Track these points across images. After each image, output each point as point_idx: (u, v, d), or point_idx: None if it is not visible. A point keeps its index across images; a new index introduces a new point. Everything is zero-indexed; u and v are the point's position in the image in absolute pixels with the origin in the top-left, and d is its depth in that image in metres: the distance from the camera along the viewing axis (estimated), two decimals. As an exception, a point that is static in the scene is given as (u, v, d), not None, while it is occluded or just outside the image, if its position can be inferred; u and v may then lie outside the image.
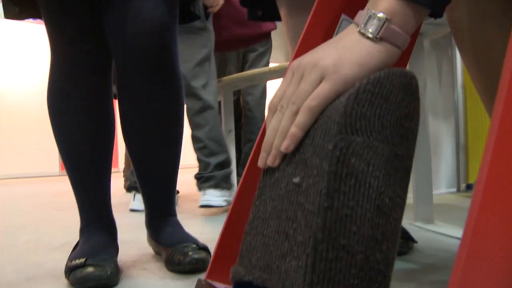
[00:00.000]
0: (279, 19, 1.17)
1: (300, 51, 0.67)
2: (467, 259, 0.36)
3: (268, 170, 0.53)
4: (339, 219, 0.43)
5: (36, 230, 1.74)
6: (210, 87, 2.08)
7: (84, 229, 1.09)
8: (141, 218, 1.20)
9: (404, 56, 0.66)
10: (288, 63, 1.11)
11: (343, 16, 0.67)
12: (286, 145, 0.50)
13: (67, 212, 2.20)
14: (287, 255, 0.44)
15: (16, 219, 2.09)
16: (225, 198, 2.01)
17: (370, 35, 0.51)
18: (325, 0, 0.67)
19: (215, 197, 1.97)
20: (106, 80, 1.09)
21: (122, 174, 3.15)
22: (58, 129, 1.07)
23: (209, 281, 0.63)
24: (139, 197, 2.17)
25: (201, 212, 2.07)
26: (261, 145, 0.56)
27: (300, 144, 0.50)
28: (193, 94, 2.02)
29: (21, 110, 5.69)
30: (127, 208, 2.24)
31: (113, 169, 1.14)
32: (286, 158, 0.51)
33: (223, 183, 2.01)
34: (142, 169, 1.13)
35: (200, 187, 2.03)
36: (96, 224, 1.08)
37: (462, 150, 2.45)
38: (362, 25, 0.52)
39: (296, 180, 0.47)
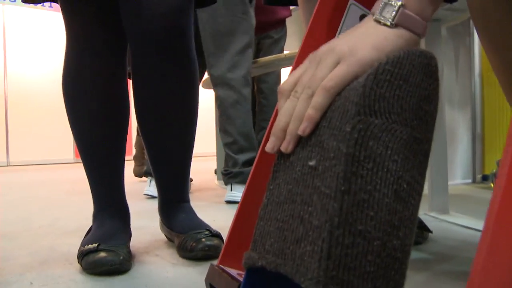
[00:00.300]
0: (295, 3, 1.15)
1: (309, 36, 0.67)
2: (489, 251, 0.36)
3: (283, 154, 0.52)
4: (356, 203, 0.41)
5: (50, 215, 1.76)
6: (248, 78, 2.06)
7: (98, 214, 1.09)
8: (154, 204, 1.20)
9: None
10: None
11: (351, 1, 0.66)
12: (303, 127, 0.49)
13: (81, 198, 2.22)
14: (302, 240, 0.43)
15: (30, 204, 2.11)
16: None
17: (386, 22, 0.51)
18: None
19: (241, 192, 1.95)
20: (121, 64, 1.09)
21: (133, 161, 3.17)
22: (72, 114, 1.07)
23: (222, 266, 0.62)
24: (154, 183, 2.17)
25: (214, 200, 2.08)
26: None
27: (316, 127, 0.49)
28: (230, 86, 2.00)
29: (37, 97, 5.73)
30: (140, 194, 2.25)
31: (126, 157, 1.13)
32: (301, 141, 0.50)
33: None
34: (155, 153, 1.13)
35: (227, 182, 2.03)
36: (109, 210, 1.08)
37: (478, 141, 2.41)
38: (378, 13, 0.52)
39: (312, 163, 0.46)
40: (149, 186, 2.22)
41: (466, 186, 2.28)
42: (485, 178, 2.36)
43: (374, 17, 0.52)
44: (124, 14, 1.02)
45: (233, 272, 0.58)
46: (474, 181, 2.40)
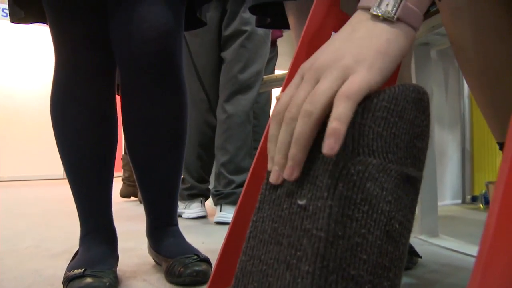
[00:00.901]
0: (287, 27, 1.16)
1: (299, 54, 0.66)
2: (483, 276, 0.35)
3: (269, 184, 0.49)
4: (350, 247, 0.41)
5: (37, 235, 1.73)
6: (255, 99, 2.07)
7: (84, 238, 1.08)
8: (141, 225, 1.19)
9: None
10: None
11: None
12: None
13: (69, 217, 2.19)
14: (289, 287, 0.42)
15: (18, 224, 2.08)
16: None
17: (386, 16, 0.47)
18: (317, 19, 0.68)
19: (232, 214, 1.94)
20: (110, 85, 1.09)
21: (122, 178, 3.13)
22: (60, 135, 1.06)
23: None
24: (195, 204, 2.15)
25: (204, 220, 2.06)
26: (262, 155, 0.53)
27: (308, 156, 0.45)
28: (241, 105, 1.99)
29: (26, 112, 5.70)
30: (129, 215, 2.23)
31: (115, 174, 1.12)
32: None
33: None
34: (143, 176, 1.12)
35: (217, 203, 2.00)
36: (96, 233, 1.07)
37: (467, 161, 2.42)
38: (375, 6, 0.48)
39: (302, 202, 0.44)
40: (202, 207, 2.16)
41: (456, 207, 2.29)
42: (474, 199, 2.37)
43: (370, 11, 0.48)
44: (113, 37, 1.02)
45: None
46: (463, 202, 2.40)
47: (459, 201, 2.41)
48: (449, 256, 1.26)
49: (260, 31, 2.03)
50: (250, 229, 0.49)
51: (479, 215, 2.00)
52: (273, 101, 2.54)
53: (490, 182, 2.01)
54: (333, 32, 0.70)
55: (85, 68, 1.03)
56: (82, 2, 1.01)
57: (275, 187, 0.48)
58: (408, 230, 0.45)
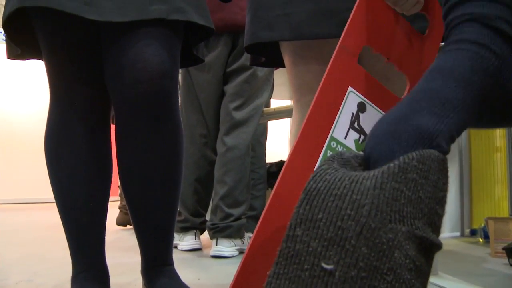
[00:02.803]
0: (282, 65, 1.16)
1: (310, 121, 0.68)
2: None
3: (289, 236, 0.47)
4: None
5: (30, 268, 1.70)
6: (254, 132, 2.08)
7: (76, 278, 1.06)
8: (138, 257, 1.17)
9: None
10: (292, 103, 1.10)
11: (350, 88, 0.67)
12: None
13: (65, 248, 2.16)
14: None
15: (11, 253, 2.05)
16: (237, 247, 1.97)
17: None
18: (335, 73, 0.71)
19: (228, 247, 1.93)
20: (105, 122, 1.08)
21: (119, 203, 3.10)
22: (53, 174, 1.05)
23: None
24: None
25: (199, 253, 2.03)
26: (285, 180, 0.56)
27: (337, 213, 0.45)
28: (242, 138, 1.99)
29: (22, 135, 5.69)
30: (125, 245, 2.20)
31: (111, 198, 1.11)
32: (313, 227, 0.46)
33: (237, 233, 1.97)
34: (138, 217, 1.10)
35: (213, 237, 1.97)
36: (88, 273, 1.05)
37: (466, 194, 2.41)
38: None
39: (328, 266, 0.43)
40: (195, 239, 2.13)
41: (455, 240, 2.27)
42: (473, 232, 2.35)
43: None
44: (107, 77, 1.02)
45: None
46: (462, 235, 2.38)
47: (458, 233, 2.39)
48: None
49: (265, 68, 2.03)
50: (265, 285, 0.47)
51: (479, 250, 1.98)
52: (270, 132, 2.53)
53: (489, 218, 1.99)
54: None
55: (80, 106, 1.03)
56: (76, 40, 1.01)
57: (294, 240, 0.46)
58: None
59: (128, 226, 3.04)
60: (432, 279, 1.38)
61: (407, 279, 0.43)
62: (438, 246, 0.48)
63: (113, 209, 3.07)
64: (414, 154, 0.48)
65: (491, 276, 1.53)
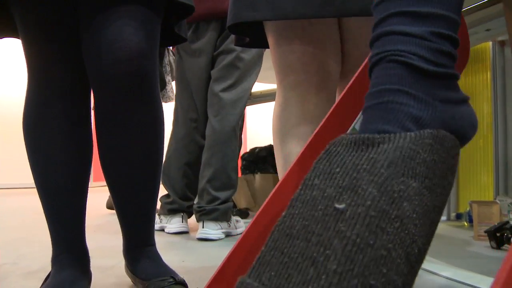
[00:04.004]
0: (265, 46, 1.15)
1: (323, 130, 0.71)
2: None
3: (307, 185, 0.51)
4: (375, 258, 0.42)
5: (15, 252, 1.70)
6: (242, 115, 2.10)
7: (56, 259, 1.05)
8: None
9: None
10: (277, 89, 1.10)
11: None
12: None
13: (48, 232, 2.15)
14: (311, 283, 0.42)
15: (-4, 237, 2.04)
16: (223, 230, 1.98)
17: None
18: (349, 96, 0.73)
19: (214, 230, 1.93)
20: (85, 104, 1.06)
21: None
22: (33, 154, 1.04)
23: None
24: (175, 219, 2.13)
25: (186, 236, 2.04)
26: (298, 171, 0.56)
27: (353, 168, 0.48)
28: (229, 120, 1.99)
29: (5, 119, 5.64)
30: (112, 229, 2.19)
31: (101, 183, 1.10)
32: (330, 178, 0.49)
33: (223, 216, 1.97)
34: (119, 198, 1.09)
35: (199, 219, 1.98)
36: (68, 255, 1.05)
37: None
38: None
39: (340, 206, 0.46)
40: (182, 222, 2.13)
41: (440, 224, 2.28)
42: (459, 216, 2.37)
43: None
44: (85, 57, 1.00)
45: None
46: (448, 219, 2.40)
47: (444, 218, 2.41)
48: (431, 280, 1.25)
49: (253, 51, 2.04)
50: (277, 223, 0.50)
51: (463, 234, 2.00)
52: (249, 116, 2.51)
53: (473, 202, 2.01)
54: None
55: (57, 85, 1.01)
56: (53, 18, 0.98)
57: (312, 187, 0.50)
58: (422, 260, 0.47)
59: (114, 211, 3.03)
60: (415, 261, 1.40)
61: (411, 232, 0.45)
62: (438, 208, 0.49)
63: (104, 193, 3.07)
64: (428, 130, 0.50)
65: (474, 258, 1.55)
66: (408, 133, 0.49)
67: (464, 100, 0.58)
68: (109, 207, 3.04)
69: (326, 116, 0.73)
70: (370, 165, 0.47)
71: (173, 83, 2.50)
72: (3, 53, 5.70)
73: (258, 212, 0.66)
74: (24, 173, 5.47)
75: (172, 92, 2.48)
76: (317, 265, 0.42)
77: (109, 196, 3.06)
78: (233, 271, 0.64)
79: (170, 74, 2.45)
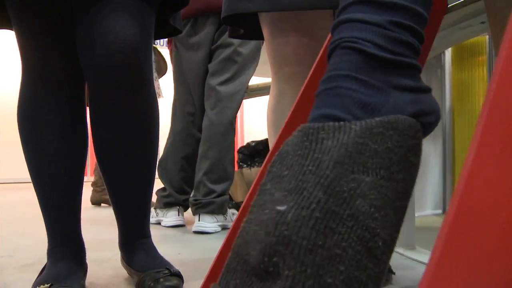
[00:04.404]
0: (261, 38, 1.15)
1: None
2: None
3: (261, 190, 0.50)
4: (329, 257, 0.42)
5: (11, 245, 1.70)
6: (238, 108, 2.11)
7: (51, 251, 1.06)
8: (116, 233, 1.17)
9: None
10: (271, 81, 1.10)
11: None
12: None
13: (43, 226, 2.15)
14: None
15: (-8, 231, 2.04)
16: (219, 223, 1.98)
17: None
18: (312, 82, 0.70)
19: (210, 223, 1.94)
20: (79, 95, 1.06)
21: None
22: (27, 149, 1.04)
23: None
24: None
25: (182, 229, 2.04)
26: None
27: (299, 169, 0.47)
28: (226, 113, 2.00)
29: (12, 114, 5.62)
30: (104, 222, 2.20)
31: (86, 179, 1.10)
32: (279, 181, 0.48)
33: (219, 209, 1.98)
34: (115, 190, 1.09)
35: (195, 212, 1.98)
36: (63, 247, 1.05)
37: (449, 172, 2.43)
38: None
39: (282, 208, 0.45)
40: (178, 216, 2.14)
41: (436, 217, 2.29)
42: (455, 209, 2.37)
43: None
44: (79, 50, 1.00)
45: None
46: (444, 212, 2.41)
47: (440, 211, 2.42)
48: (422, 271, 1.25)
49: (251, 45, 2.05)
50: (240, 229, 0.51)
51: (459, 226, 2.00)
52: (245, 109, 2.51)
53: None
54: None
55: (52, 78, 1.01)
56: (48, 12, 0.98)
57: (264, 192, 0.50)
58: (391, 249, 0.46)
59: (103, 205, 3.04)
60: (409, 253, 1.41)
61: (371, 227, 0.44)
62: (402, 194, 0.48)
63: (86, 188, 3.07)
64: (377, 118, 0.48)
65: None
66: (353, 127, 0.47)
67: (425, 90, 0.57)
68: (93, 202, 3.05)
69: (295, 103, 0.72)
70: (315, 167, 0.46)
71: (160, 80, 2.51)
72: (7, 50, 5.68)
73: (242, 206, 0.66)
74: (20, 168, 5.46)
75: (159, 88, 2.49)
76: (271, 272, 0.43)
77: (92, 191, 3.07)
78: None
79: (156, 72, 2.46)
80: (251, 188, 0.67)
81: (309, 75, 0.72)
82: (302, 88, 0.72)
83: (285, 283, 0.41)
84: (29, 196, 3.87)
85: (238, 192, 2.87)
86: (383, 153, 0.46)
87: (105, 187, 2.96)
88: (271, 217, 0.45)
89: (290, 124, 0.71)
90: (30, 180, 1.05)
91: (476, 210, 0.37)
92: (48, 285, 0.93)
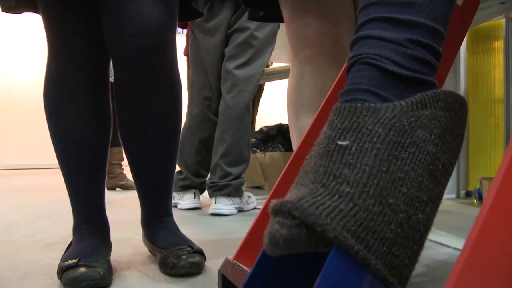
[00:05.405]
0: (280, 20, 1.16)
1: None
2: (463, 270, 0.36)
3: (320, 133, 0.54)
4: (392, 181, 0.45)
5: (32, 226, 1.74)
6: (255, 92, 2.11)
7: (77, 229, 1.08)
8: (134, 215, 1.20)
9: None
10: (290, 64, 1.11)
11: None
12: None
13: (64, 208, 2.20)
14: (320, 196, 0.44)
15: (13, 213, 2.08)
16: (236, 205, 2.01)
17: None
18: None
19: (227, 205, 1.97)
20: (104, 76, 1.09)
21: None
22: (53, 127, 1.06)
23: (236, 261, 0.63)
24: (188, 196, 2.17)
25: (199, 212, 2.07)
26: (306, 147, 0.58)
27: (352, 116, 0.49)
28: (242, 96, 2.02)
29: (21, 101, 5.68)
30: (120, 204, 2.23)
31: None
32: (332, 124, 0.51)
33: (236, 192, 2.00)
34: (138, 169, 1.12)
35: (212, 195, 2.01)
36: (89, 224, 1.08)
37: (463, 157, 2.43)
38: None
39: (343, 142, 0.48)
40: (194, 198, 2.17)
41: (450, 201, 2.30)
42: (468, 194, 2.38)
43: None
44: (105, 31, 1.02)
45: (246, 269, 0.58)
46: (458, 197, 2.42)
47: (454, 196, 2.42)
48: (440, 251, 1.27)
49: (267, 29, 2.05)
50: (303, 165, 0.54)
51: (472, 210, 2.01)
52: (268, 95, 2.51)
53: (484, 178, 2.02)
54: None
55: (77, 59, 1.03)
56: None
57: (321, 134, 0.53)
58: (449, 173, 0.49)
59: (118, 190, 3.08)
60: (426, 234, 1.43)
61: (432, 152, 0.47)
62: (459, 122, 0.51)
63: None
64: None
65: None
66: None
67: None
68: (108, 188, 3.09)
69: (331, 88, 0.74)
70: (371, 112, 0.49)
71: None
72: (11, 34, 5.72)
73: (275, 186, 0.68)
74: (35, 155, 5.51)
75: None
76: (328, 187, 0.45)
77: (107, 178, 3.11)
78: (256, 242, 0.66)
79: None
80: (288, 163, 0.70)
81: (330, 91, 0.75)
82: (323, 102, 0.75)
83: (342, 198, 0.43)
84: (50, 181, 3.94)
85: (253, 177, 2.90)
86: (438, 92, 0.50)
87: (118, 173, 3.03)
88: (331, 150, 0.48)
89: (310, 136, 0.73)
90: (50, 166, 1.08)
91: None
92: (76, 260, 0.95)
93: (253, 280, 0.52)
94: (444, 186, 0.49)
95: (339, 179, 0.45)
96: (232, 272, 0.59)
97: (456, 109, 0.51)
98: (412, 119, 0.47)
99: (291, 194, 0.50)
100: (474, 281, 0.36)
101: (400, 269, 0.44)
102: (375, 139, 0.46)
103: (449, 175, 0.50)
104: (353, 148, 0.47)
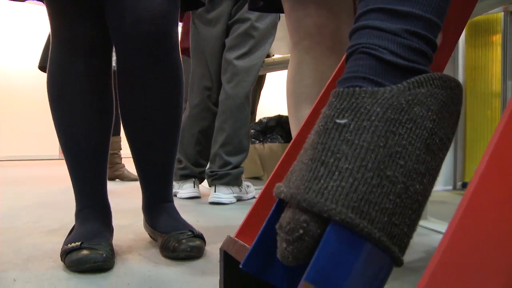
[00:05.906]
0: (280, 11, 1.18)
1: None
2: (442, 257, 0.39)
3: (323, 113, 0.55)
4: (389, 154, 0.46)
5: (34, 213, 1.76)
6: (255, 82, 2.14)
7: (80, 213, 1.11)
8: (134, 203, 1.22)
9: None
10: (290, 52, 1.13)
11: None
12: None
13: (65, 196, 2.22)
14: (323, 177, 0.46)
15: (14, 202, 2.10)
16: (235, 194, 2.04)
17: None
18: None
19: (226, 194, 1.99)
20: (107, 63, 1.11)
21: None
22: (57, 112, 1.08)
23: (237, 239, 0.64)
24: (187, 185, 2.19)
25: (198, 201, 2.09)
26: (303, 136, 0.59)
27: (352, 94, 0.51)
28: (241, 86, 2.04)
29: (21, 92, 5.68)
30: (123, 194, 2.26)
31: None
32: (332, 106, 0.53)
33: (235, 181, 2.03)
34: (140, 155, 1.14)
35: (211, 184, 2.04)
36: (91, 208, 1.10)
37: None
38: None
39: (341, 121, 0.49)
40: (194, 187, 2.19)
41: (447, 192, 2.33)
42: (465, 185, 2.41)
43: None
44: (109, 17, 1.04)
45: (248, 247, 0.60)
46: (454, 188, 2.45)
47: (451, 187, 2.45)
48: (437, 239, 1.30)
49: (267, 20, 2.07)
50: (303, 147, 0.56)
51: (469, 201, 2.03)
52: (267, 86, 2.51)
53: (480, 169, 2.04)
54: None
55: (81, 46, 1.05)
56: None
57: (322, 113, 0.55)
58: (446, 147, 0.51)
59: (117, 180, 3.11)
60: (421, 222, 1.45)
61: (429, 127, 0.49)
62: (456, 99, 0.52)
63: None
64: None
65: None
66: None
67: None
68: (108, 178, 3.10)
69: (331, 77, 0.76)
70: (370, 94, 0.50)
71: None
72: (12, 24, 5.71)
73: (274, 170, 0.69)
74: (36, 146, 5.50)
75: None
76: (327, 165, 0.47)
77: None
78: (257, 221, 0.68)
79: None
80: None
81: (329, 80, 0.76)
82: (322, 91, 0.76)
83: (344, 174, 0.45)
84: (51, 172, 3.96)
85: (251, 167, 2.92)
86: (433, 74, 0.52)
87: (115, 164, 3.04)
88: (329, 128, 0.50)
89: (309, 123, 0.74)
90: (51, 157, 1.09)
91: (487, 206, 0.42)
92: (79, 242, 0.98)
93: (254, 253, 0.54)
94: (441, 159, 0.51)
95: (337, 155, 0.47)
96: (234, 248, 0.61)
97: (452, 87, 0.53)
98: (410, 97, 0.49)
99: (293, 175, 0.52)
100: (455, 264, 0.39)
101: (400, 238, 0.46)
102: (373, 117, 0.48)
103: (447, 149, 0.52)
104: (351, 125, 0.49)
